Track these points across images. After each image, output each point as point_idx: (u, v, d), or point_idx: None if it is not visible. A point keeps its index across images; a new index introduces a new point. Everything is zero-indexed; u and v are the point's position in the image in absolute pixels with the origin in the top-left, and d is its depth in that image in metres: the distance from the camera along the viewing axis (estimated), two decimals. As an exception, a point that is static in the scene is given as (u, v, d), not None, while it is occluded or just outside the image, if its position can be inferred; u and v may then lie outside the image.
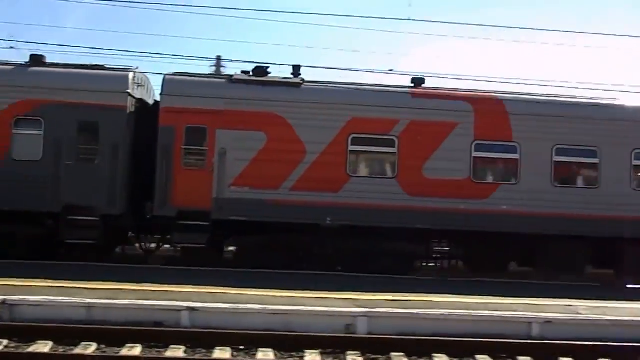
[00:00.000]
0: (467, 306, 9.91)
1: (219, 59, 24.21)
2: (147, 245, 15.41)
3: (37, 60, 14.41)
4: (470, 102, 14.73)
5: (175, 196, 13.85)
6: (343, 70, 30.66)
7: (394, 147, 14.39)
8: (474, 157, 14.53)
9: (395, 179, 14.34)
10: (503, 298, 10.84)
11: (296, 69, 15.02)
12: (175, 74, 14.59)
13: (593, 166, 14.82)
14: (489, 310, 9.65)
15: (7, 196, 13.40)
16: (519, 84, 17.51)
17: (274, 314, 8.90)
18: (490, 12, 65.20)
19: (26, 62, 14.48)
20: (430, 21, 37.01)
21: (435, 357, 7.84)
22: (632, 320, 9.66)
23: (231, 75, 14.86)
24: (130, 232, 15.23)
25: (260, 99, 14.22)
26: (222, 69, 23.23)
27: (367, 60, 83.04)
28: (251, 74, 14.79)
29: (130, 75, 14.34)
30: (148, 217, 14.29)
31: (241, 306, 9.01)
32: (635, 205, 14.57)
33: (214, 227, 13.91)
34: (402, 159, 14.36)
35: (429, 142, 14.43)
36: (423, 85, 15.27)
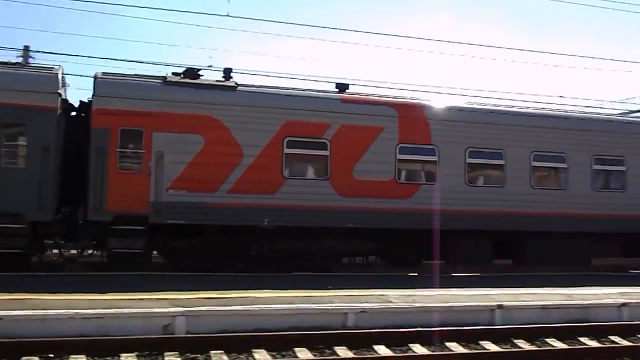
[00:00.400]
0: (289, 300, 10.07)
1: (26, 49, 22.40)
2: (67, 251, 14.93)
3: None
4: (395, 108, 15.67)
5: (111, 200, 13.45)
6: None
7: (326, 150, 14.98)
8: (398, 159, 15.52)
9: (327, 180, 14.96)
10: (323, 291, 11.05)
11: (227, 72, 15.10)
12: (105, 74, 14.10)
13: (499, 167, 16.40)
14: (308, 303, 9.88)
15: None
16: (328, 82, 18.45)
17: (87, 318, 8.48)
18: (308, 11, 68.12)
19: None
20: (251, 18, 38.26)
21: (254, 352, 7.95)
22: (438, 306, 10.47)
23: (165, 77, 14.56)
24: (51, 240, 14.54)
25: (197, 102, 14.16)
26: (30, 60, 21.77)
27: (185, 54, 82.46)
28: (182, 76, 14.67)
29: (60, 74, 13.65)
30: (80, 222, 13.75)
31: (50, 312, 8.45)
32: (534, 202, 16.35)
33: (152, 231, 13.76)
34: (334, 161, 15.00)
35: (358, 145, 15.19)
36: (347, 91, 16.03)
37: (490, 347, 8.96)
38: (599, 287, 13.08)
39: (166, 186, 13.81)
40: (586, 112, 19.15)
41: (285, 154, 14.70)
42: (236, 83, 14.90)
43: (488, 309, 10.61)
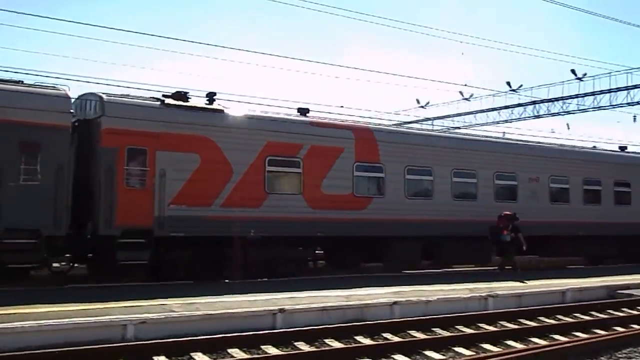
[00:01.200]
0: (65, 315, 9.65)
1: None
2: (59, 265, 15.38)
3: None
4: (352, 131, 18.10)
5: (119, 215, 14.30)
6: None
7: (299, 167, 16.99)
8: (355, 175, 17.96)
9: (301, 195, 16.97)
10: (99, 303, 10.73)
11: (211, 95, 16.44)
12: (109, 95, 14.78)
13: (430, 182, 19.51)
14: (84, 317, 9.59)
15: None
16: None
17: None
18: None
19: None
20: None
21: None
22: (220, 313, 10.67)
23: (163, 100, 15.54)
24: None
25: (194, 123, 15.45)
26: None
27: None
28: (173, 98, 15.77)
29: (70, 94, 14.17)
30: (88, 237, 14.37)
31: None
32: (456, 212, 19.68)
33: (156, 244, 14.80)
34: (306, 178, 17.05)
35: (324, 164, 17.39)
36: (308, 114, 18.11)
37: (271, 350, 9.28)
38: (375, 288, 13.84)
39: (168, 201, 14.93)
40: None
41: (267, 171, 16.47)
42: (222, 106, 16.33)
43: (270, 313, 10.93)
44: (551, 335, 11.12)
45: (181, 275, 15.07)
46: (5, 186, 13.10)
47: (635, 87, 42.31)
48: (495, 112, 53.22)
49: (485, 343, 10.21)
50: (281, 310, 11.02)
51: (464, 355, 9.35)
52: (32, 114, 13.30)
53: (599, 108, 47.06)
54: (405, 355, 9.28)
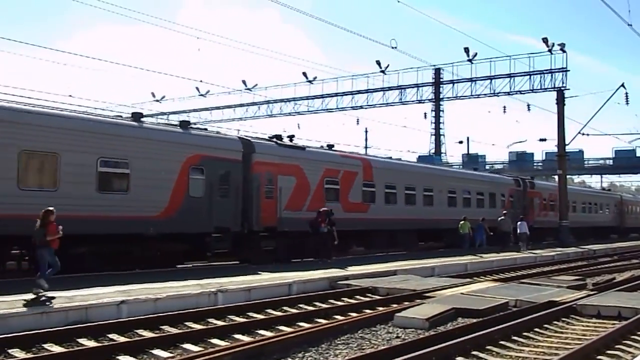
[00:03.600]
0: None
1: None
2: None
3: (185, 124, 20.44)
4: (361, 161, 28.49)
5: (262, 217, 22.02)
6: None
7: (338, 185, 26.29)
8: (362, 190, 27.64)
9: (339, 202, 26.19)
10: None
11: (291, 137, 25.08)
12: (255, 138, 23.25)
13: (394, 194, 29.79)
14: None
15: (185, 221, 19.23)
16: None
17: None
18: None
19: (177, 125, 20.42)
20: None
21: None
22: None
23: (277, 141, 23.94)
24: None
25: (292, 157, 23.86)
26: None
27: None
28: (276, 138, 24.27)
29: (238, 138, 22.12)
30: (246, 232, 21.62)
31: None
32: (406, 212, 30.17)
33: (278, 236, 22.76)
34: (342, 192, 26.33)
35: (349, 182, 26.79)
36: (333, 148, 27.52)
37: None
38: (101, 287, 13.27)
39: (283, 208, 22.94)
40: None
41: (325, 188, 25.30)
42: (302, 145, 25.16)
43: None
44: (277, 327, 11.50)
45: (288, 258, 22.91)
46: (214, 201, 20.22)
47: (359, 92, 50.65)
48: (230, 110, 57.75)
49: (214, 338, 10.34)
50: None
51: (192, 352, 9.36)
52: (225, 153, 20.82)
53: (327, 110, 53.36)
54: (132, 356, 9.13)
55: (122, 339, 10.17)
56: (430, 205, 31.85)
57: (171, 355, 9.40)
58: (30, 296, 11.89)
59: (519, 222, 33.63)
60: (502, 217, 33.47)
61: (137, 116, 19.40)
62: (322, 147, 27.58)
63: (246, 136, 23.32)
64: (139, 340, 9.97)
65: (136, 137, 18.33)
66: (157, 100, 59.69)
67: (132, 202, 17.78)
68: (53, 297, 11.95)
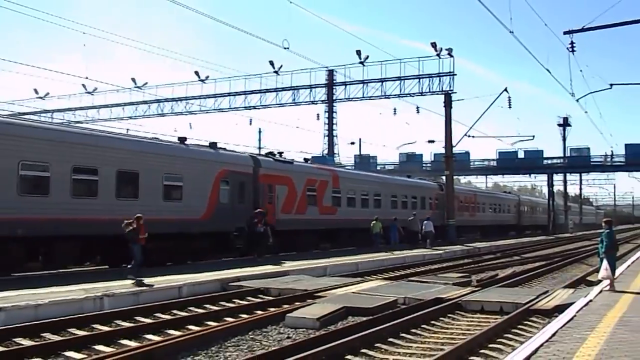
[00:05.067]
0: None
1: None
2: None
3: (182, 140, 24.62)
4: (330, 172, 34.85)
5: (268, 218, 26.27)
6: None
7: (315, 192, 31.70)
8: (332, 196, 33.17)
9: (317, 206, 31.79)
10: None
11: (280, 153, 31.74)
12: (260, 154, 30.02)
13: (354, 198, 35.57)
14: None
15: (217, 222, 23.87)
16: None
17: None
18: None
19: (208, 146, 25.35)
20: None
21: None
22: None
23: (274, 157, 29.96)
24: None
25: (285, 170, 29.24)
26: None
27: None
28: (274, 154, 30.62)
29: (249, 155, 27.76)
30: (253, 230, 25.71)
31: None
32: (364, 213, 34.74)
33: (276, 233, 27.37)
34: (318, 197, 31.87)
35: (323, 189, 32.47)
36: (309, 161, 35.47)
37: None
38: None
39: (279, 211, 28.07)
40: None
41: (307, 195, 30.60)
42: (291, 159, 31.39)
43: None
44: (166, 331, 11.18)
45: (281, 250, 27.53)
46: (235, 206, 25.04)
47: (252, 92, 49.84)
48: (119, 108, 54.57)
49: (99, 344, 10.00)
50: None
51: (75, 359, 9.04)
52: (242, 167, 26.03)
53: (220, 110, 51.86)
54: None
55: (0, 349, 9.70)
56: (379, 208, 37.03)
57: (52, 364, 9.03)
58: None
59: (425, 222, 35.55)
60: (412, 218, 35.78)
61: (182, 139, 24.42)
62: (305, 160, 34.88)
63: (252, 154, 29.17)
64: (17, 349, 9.55)
65: (186, 157, 23.11)
66: (41, 98, 56.68)
67: (184, 207, 22.41)
68: None
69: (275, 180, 27.92)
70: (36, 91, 57.24)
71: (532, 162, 66.92)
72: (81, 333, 10.93)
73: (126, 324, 11.84)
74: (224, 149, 27.21)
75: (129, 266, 16.42)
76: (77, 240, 18.46)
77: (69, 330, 11.17)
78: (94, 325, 11.63)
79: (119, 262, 18.59)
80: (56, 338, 10.54)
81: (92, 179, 18.94)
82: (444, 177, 45.30)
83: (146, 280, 15.79)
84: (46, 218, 17.22)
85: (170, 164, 22.03)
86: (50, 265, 18.42)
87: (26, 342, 10.12)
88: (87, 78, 44.57)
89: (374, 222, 31.69)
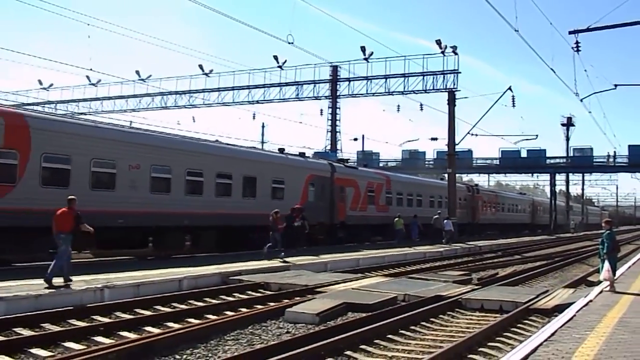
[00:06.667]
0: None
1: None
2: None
3: (281, 150, 32.50)
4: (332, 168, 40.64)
5: (339, 214, 33.63)
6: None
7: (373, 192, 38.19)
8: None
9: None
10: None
11: (346, 160, 37.74)
12: (336, 161, 36.69)
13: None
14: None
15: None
16: None
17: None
18: None
19: (276, 153, 32.05)
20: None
21: None
22: None
23: (344, 163, 37.40)
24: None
25: (351, 174, 36.10)
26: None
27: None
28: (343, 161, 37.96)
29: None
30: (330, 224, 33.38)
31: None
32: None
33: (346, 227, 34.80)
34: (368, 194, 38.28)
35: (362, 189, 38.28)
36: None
37: None
38: None
39: (348, 208, 34.80)
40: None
41: (368, 195, 37.23)
42: (356, 166, 38.94)
43: None
44: (166, 324, 11.20)
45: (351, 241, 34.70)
46: (318, 204, 31.65)
47: (256, 86, 49.21)
48: (123, 100, 53.98)
49: (99, 336, 9.98)
50: None
51: (74, 350, 9.01)
52: (323, 172, 32.93)
53: (224, 104, 51.16)
54: (9, 356, 8.72)
55: (0, 338, 9.66)
56: (420, 207, 43.62)
57: (51, 354, 8.99)
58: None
59: (445, 221, 38.32)
60: (437, 217, 38.91)
61: (281, 150, 32.43)
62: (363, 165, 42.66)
63: (329, 160, 35.94)
64: (17, 339, 9.50)
65: (286, 164, 30.08)
66: (45, 89, 56.53)
67: (285, 205, 27.56)
68: None
69: (346, 182, 34.73)
70: (40, 82, 56.99)
71: (535, 162, 66.99)
72: (81, 324, 11.00)
73: (126, 316, 11.91)
74: (309, 156, 34.71)
75: (266, 249, 22.43)
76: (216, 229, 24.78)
77: (69, 321, 11.21)
78: (94, 317, 11.67)
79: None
80: (56, 328, 10.58)
81: (227, 182, 25.45)
82: (445, 175, 45.90)
83: (152, 272, 16.37)
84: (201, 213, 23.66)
85: (277, 170, 28.85)
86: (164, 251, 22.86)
87: (26, 332, 10.16)
88: (91, 70, 44.03)
89: (396, 219, 35.66)
